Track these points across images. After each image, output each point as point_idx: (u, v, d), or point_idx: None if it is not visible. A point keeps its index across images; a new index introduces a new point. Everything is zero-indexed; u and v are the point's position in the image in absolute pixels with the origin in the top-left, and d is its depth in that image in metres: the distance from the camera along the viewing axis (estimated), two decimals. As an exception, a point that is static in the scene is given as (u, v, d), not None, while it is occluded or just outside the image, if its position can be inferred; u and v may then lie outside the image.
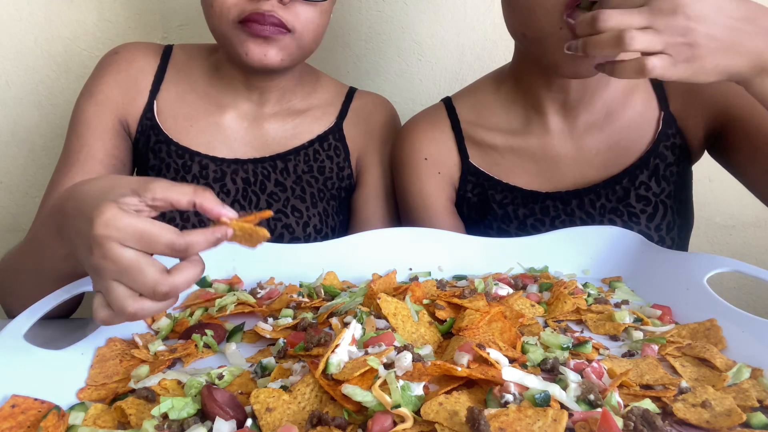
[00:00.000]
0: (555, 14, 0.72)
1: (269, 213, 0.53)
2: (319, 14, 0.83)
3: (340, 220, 1.01)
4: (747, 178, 0.87)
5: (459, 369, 0.46)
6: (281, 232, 0.93)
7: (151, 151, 0.93)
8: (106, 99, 0.92)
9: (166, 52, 0.97)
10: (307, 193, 0.96)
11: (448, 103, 0.98)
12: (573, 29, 0.70)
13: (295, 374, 0.50)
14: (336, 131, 0.99)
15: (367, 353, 0.50)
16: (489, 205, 0.94)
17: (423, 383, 0.46)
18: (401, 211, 1.00)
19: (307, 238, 0.94)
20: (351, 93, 1.03)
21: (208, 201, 0.50)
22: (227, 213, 0.51)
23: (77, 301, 0.79)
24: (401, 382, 0.45)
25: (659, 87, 0.91)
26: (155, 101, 0.93)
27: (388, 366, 0.48)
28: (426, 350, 0.55)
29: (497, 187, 0.93)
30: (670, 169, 0.89)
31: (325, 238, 0.95)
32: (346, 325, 0.59)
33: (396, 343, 0.52)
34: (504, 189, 0.93)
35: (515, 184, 0.92)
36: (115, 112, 0.92)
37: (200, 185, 0.51)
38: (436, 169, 0.95)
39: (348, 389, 0.44)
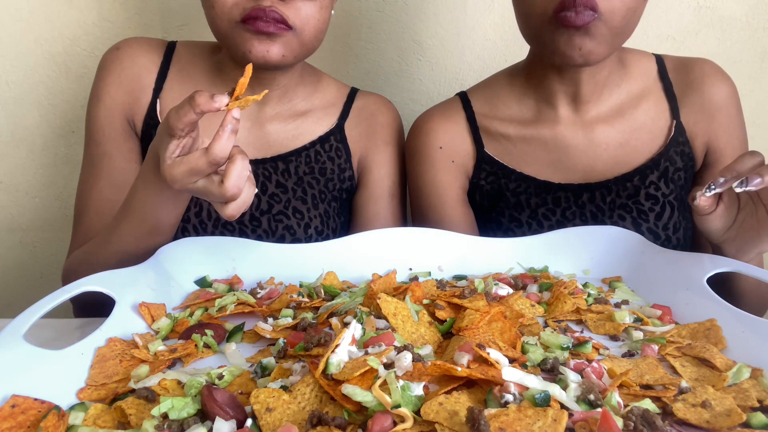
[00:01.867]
0: (546, 14, 0.78)
1: (249, 69, 0.61)
2: (319, 9, 0.82)
3: (341, 222, 1.01)
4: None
5: (459, 369, 0.46)
6: (282, 234, 0.93)
7: None
8: (113, 102, 0.93)
9: (169, 49, 0.97)
10: (308, 194, 0.96)
11: (463, 96, 1.01)
12: (563, 22, 0.76)
13: (295, 374, 0.50)
14: (337, 132, 0.99)
15: (367, 353, 0.50)
16: (502, 193, 0.97)
17: (423, 383, 0.46)
18: (412, 200, 1.02)
19: (308, 240, 0.94)
20: (353, 94, 1.03)
21: (203, 105, 0.59)
22: (222, 102, 0.60)
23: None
24: (401, 382, 0.45)
25: (672, 97, 0.94)
26: (158, 100, 0.93)
27: (388, 366, 0.48)
28: (426, 350, 0.55)
29: (511, 176, 0.96)
30: (678, 174, 0.93)
31: (326, 239, 0.95)
32: (346, 325, 0.59)
33: (396, 343, 0.52)
34: (518, 178, 0.95)
35: (528, 173, 0.95)
36: (123, 113, 0.93)
37: (192, 95, 0.59)
38: (450, 158, 0.97)
39: (348, 389, 0.44)
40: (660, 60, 0.97)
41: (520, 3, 0.83)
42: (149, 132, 0.93)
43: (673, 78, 0.95)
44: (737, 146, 0.94)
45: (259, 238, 0.92)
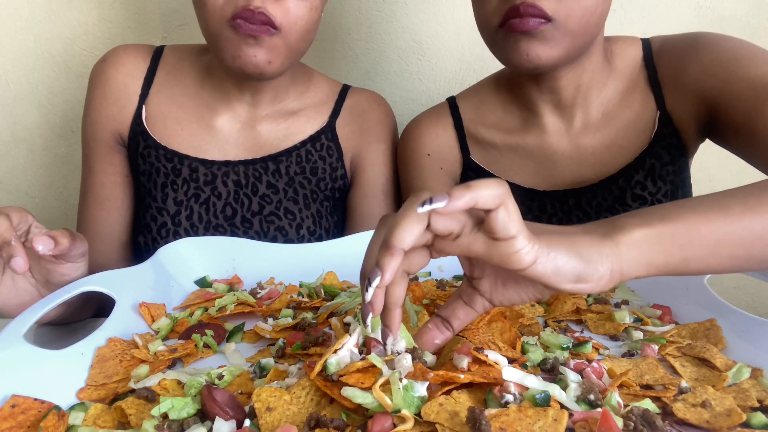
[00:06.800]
0: (491, 24, 0.79)
1: None
2: (308, 11, 0.81)
3: (334, 221, 1.00)
4: (749, 159, 0.80)
5: (462, 377, 0.46)
6: (275, 235, 0.92)
7: (140, 157, 0.93)
8: (98, 116, 0.93)
9: (157, 54, 0.96)
10: (299, 194, 0.95)
11: (452, 102, 1.00)
12: (509, 28, 0.76)
13: (292, 376, 0.50)
14: (329, 131, 0.99)
15: (367, 354, 0.49)
16: None
17: (427, 383, 0.46)
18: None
19: (300, 240, 0.93)
20: (344, 91, 1.02)
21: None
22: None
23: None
24: (404, 381, 0.45)
25: (657, 86, 0.90)
26: (144, 105, 0.93)
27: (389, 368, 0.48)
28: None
29: None
30: (666, 169, 0.89)
31: (319, 239, 0.94)
32: (345, 325, 0.59)
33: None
34: None
35: (514, 181, 0.94)
36: (108, 127, 0.94)
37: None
38: (438, 164, 0.97)
39: (348, 391, 0.44)
40: (647, 45, 0.91)
41: (476, 15, 0.83)
42: (135, 138, 0.93)
43: (658, 63, 0.89)
44: (749, 86, 0.76)
45: (251, 239, 0.91)
